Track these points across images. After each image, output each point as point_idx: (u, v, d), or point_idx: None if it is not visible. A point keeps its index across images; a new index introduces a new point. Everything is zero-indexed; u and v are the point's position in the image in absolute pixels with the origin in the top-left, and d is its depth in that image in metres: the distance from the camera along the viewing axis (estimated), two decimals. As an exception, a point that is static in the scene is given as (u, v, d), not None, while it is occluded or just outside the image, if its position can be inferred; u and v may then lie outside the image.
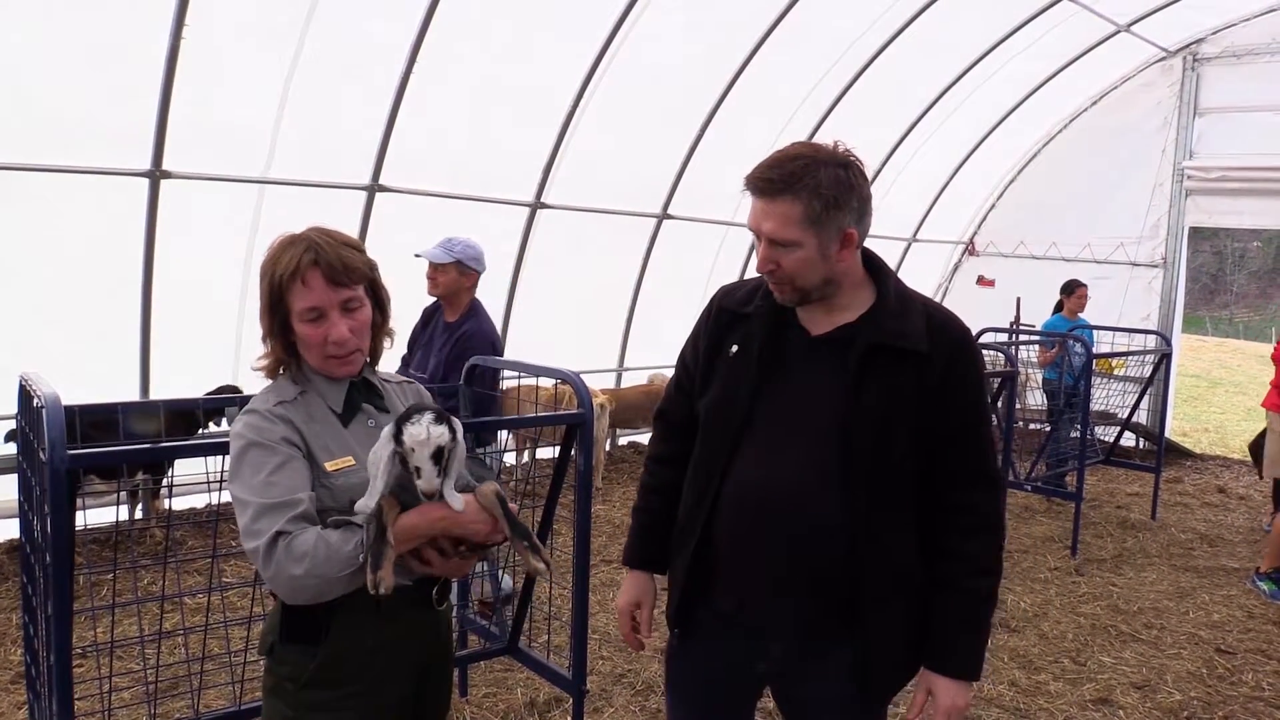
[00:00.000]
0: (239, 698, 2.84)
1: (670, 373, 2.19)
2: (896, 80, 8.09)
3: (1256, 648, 4.77)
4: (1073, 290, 7.70)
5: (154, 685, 3.05)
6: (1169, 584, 5.70)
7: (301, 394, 1.78)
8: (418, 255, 4.13)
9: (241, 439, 1.71)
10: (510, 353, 6.96)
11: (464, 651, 3.47)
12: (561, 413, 3.17)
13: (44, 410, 2.08)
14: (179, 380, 5.37)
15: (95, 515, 4.08)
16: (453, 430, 1.64)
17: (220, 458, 2.37)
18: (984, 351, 5.76)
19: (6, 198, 4.74)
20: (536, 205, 6.88)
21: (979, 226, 10.73)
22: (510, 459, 6.50)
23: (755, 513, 1.85)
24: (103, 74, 4.74)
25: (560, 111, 6.55)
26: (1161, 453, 7.72)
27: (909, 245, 10.23)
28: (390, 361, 3.43)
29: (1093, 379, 6.56)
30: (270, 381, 1.83)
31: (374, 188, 5.91)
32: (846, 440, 1.79)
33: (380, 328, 1.87)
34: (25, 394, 2.41)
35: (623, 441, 8.51)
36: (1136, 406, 7.67)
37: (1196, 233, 11.47)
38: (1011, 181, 10.46)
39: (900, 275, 1.92)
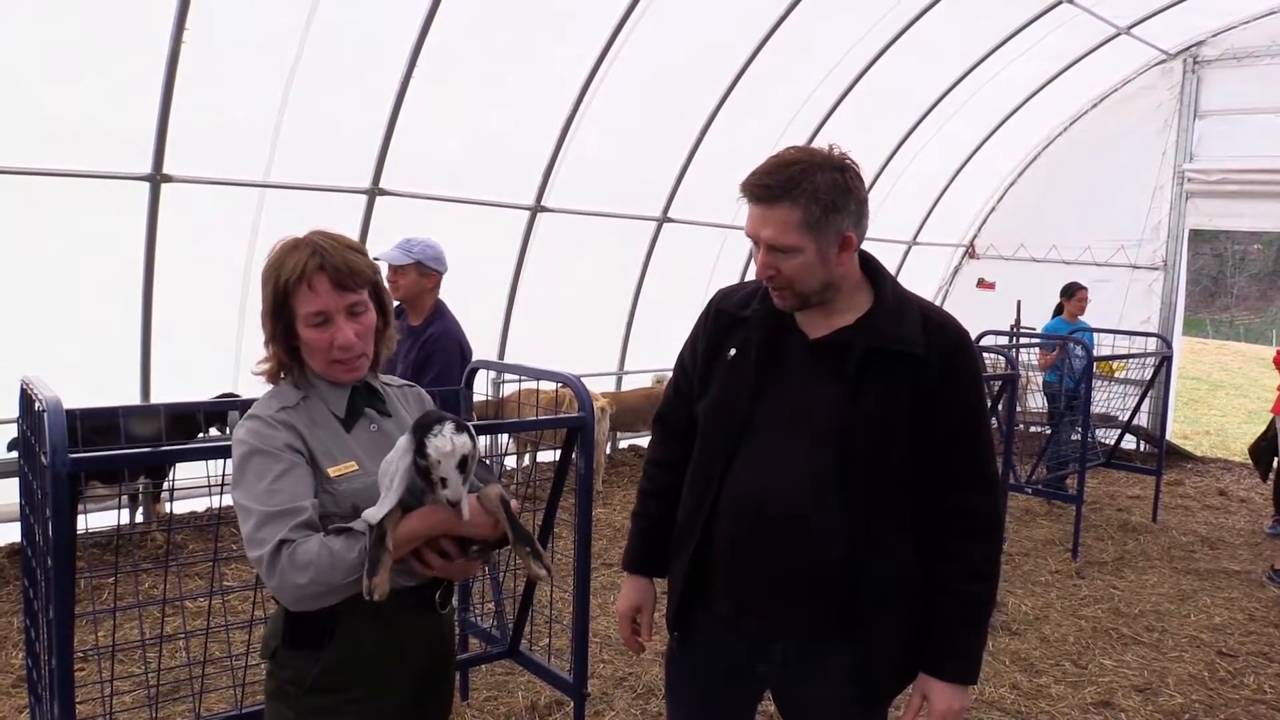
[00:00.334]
0: (240, 701, 2.84)
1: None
2: (896, 83, 8.10)
3: (1258, 650, 4.77)
4: (1073, 293, 7.70)
5: (155, 689, 3.05)
6: (1170, 587, 5.70)
7: (304, 399, 1.77)
8: (376, 258, 4.11)
9: (244, 445, 1.69)
10: (510, 356, 6.97)
11: (465, 655, 3.46)
12: (562, 416, 3.17)
13: (45, 414, 2.08)
14: (180, 384, 5.37)
15: (97, 519, 4.09)
16: (472, 438, 1.64)
17: (221, 461, 2.38)
18: (984, 355, 5.77)
19: (7, 201, 4.75)
20: (537, 209, 6.88)
21: (979, 229, 10.73)
22: (511, 462, 6.51)
23: (754, 516, 1.85)
24: (103, 77, 4.75)
25: (560, 115, 6.56)
26: (1162, 455, 7.72)
27: (909, 248, 10.23)
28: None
29: (1093, 382, 6.56)
30: (271, 386, 1.83)
31: (374, 191, 5.92)
32: (845, 443, 1.79)
33: (382, 332, 1.86)
34: (27, 397, 2.41)
35: (623, 445, 8.51)
36: (1137, 409, 7.67)
37: (1197, 235, 11.48)
38: (1012, 184, 10.46)
39: (900, 278, 1.92)
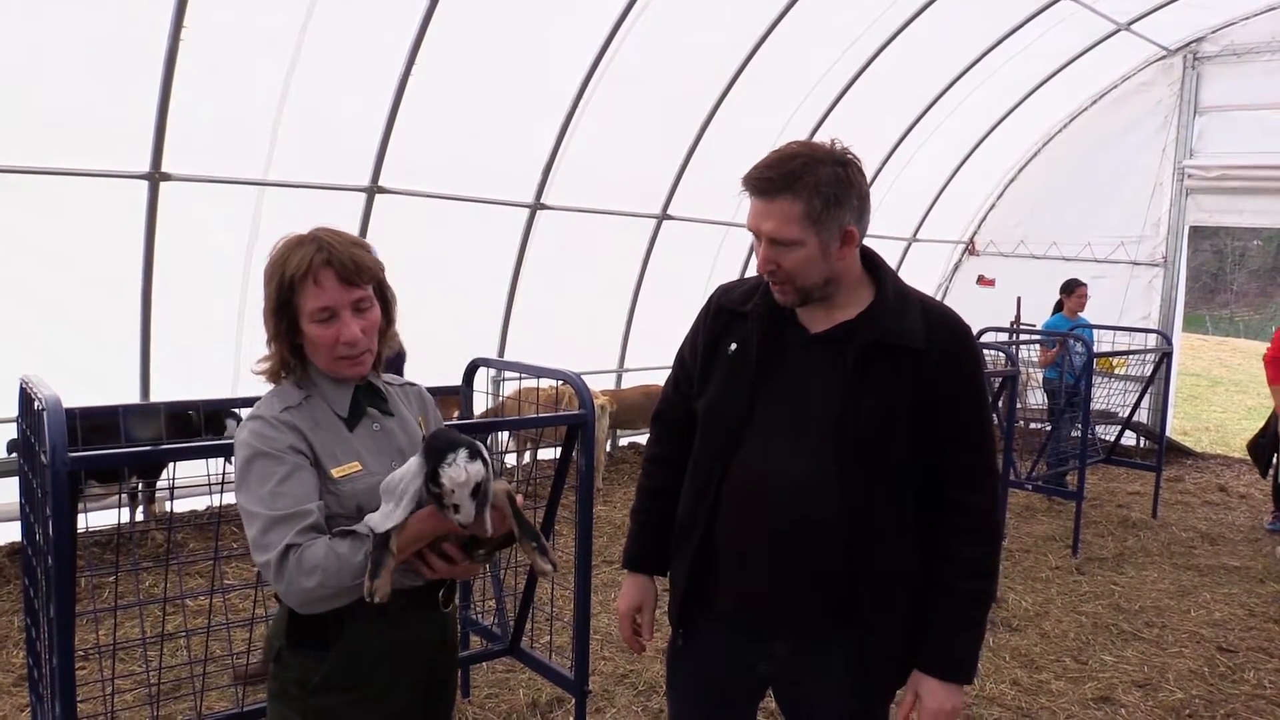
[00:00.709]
0: (241, 700, 2.85)
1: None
2: (896, 80, 8.09)
3: (1258, 646, 4.77)
4: (1073, 289, 7.69)
5: (156, 687, 3.05)
6: (1170, 583, 5.70)
7: (306, 399, 1.76)
8: None
9: (248, 448, 1.67)
10: (510, 354, 6.97)
11: (466, 652, 3.47)
12: (562, 414, 3.17)
13: (45, 413, 2.08)
14: (179, 383, 5.37)
15: (97, 518, 4.09)
16: (487, 464, 1.61)
17: (221, 460, 2.38)
18: (985, 351, 5.77)
19: (5, 199, 4.74)
20: (536, 206, 6.88)
21: (979, 226, 10.73)
22: (511, 460, 6.51)
23: (755, 512, 1.84)
24: (102, 76, 4.74)
25: (560, 112, 6.55)
26: (1162, 451, 7.72)
27: (909, 245, 10.23)
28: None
29: (1093, 378, 6.56)
30: (272, 385, 1.81)
31: (373, 189, 5.91)
32: (846, 438, 1.78)
33: (385, 330, 1.84)
34: (26, 396, 2.41)
35: (623, 442, 8.51)
36: (1137, 405, 7.66)
37: (1197, 231, 11.45)
38: (1012, 181, 10.45)
39: (900, 275, 1.92)
